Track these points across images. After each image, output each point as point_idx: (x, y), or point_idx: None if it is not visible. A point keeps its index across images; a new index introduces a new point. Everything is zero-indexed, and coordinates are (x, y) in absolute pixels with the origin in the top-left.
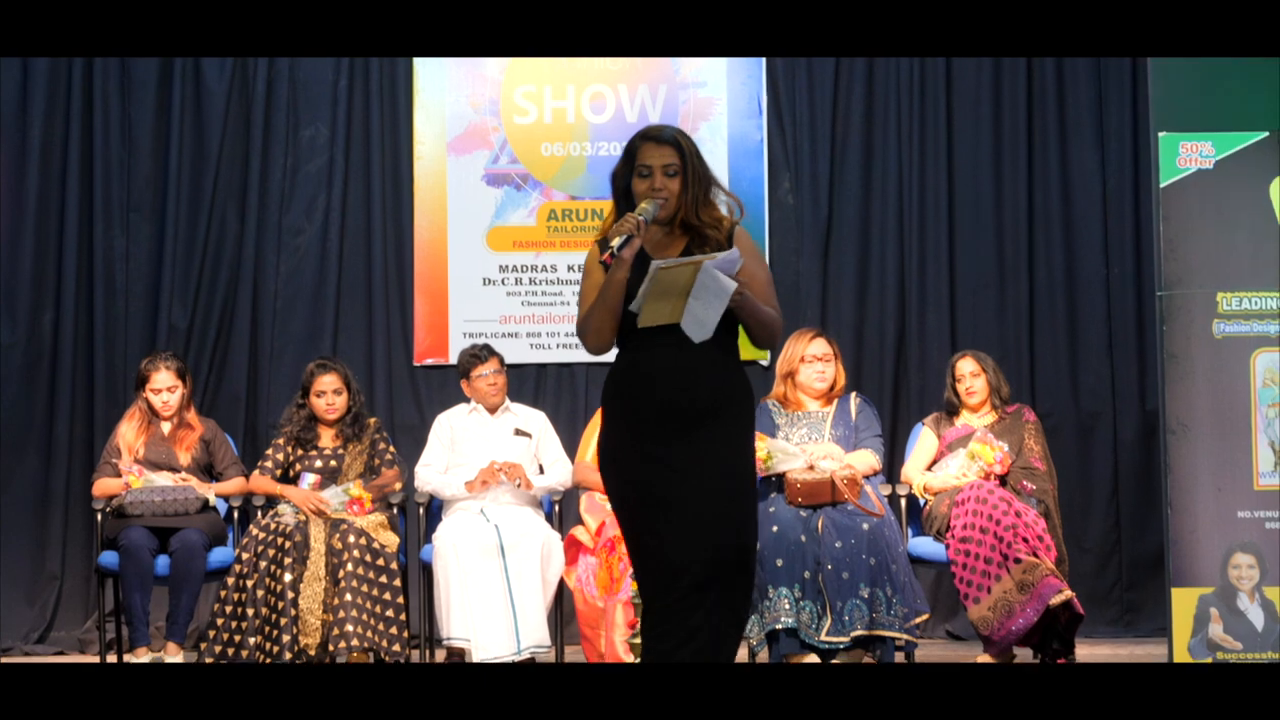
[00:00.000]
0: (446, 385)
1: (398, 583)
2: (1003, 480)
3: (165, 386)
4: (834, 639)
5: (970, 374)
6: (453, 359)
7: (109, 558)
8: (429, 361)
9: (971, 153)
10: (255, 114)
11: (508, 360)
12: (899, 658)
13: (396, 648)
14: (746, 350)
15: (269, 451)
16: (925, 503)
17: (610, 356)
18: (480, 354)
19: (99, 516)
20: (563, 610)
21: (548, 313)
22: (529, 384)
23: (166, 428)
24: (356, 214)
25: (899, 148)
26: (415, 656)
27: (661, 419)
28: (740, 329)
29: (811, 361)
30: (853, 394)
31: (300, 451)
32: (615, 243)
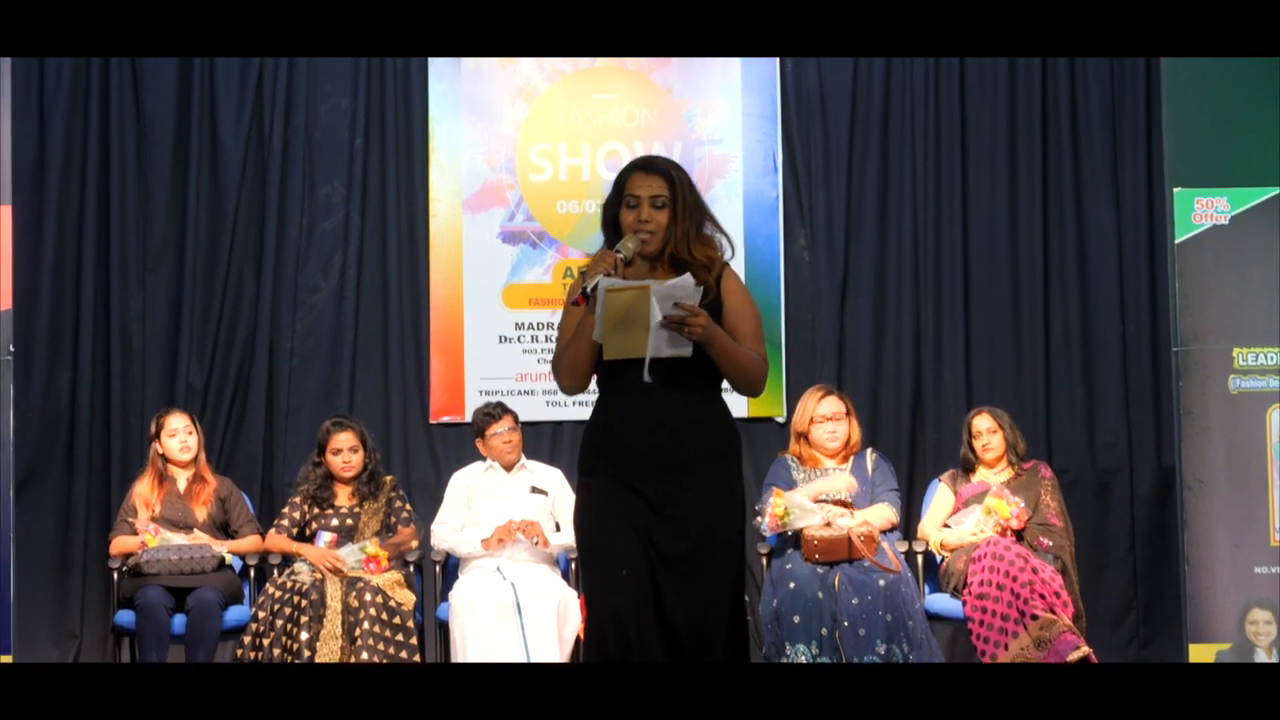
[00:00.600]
0: (463, 443)
1: (414, 640)
2: (1019, 536)
3: (180, 427)
4: None
5: (986, 430)
6: (469, 416)
7: (125, 617)
8: (445, 419)
9: (987, 208)
10: (271, 172)
11: (524, 417)
12: None
13: None
14: (758, 404)
15: (285, 509)
16: (942, 559)
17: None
18: (494, 412)
19: (115, 575)
20: None
21: None
22: (545, 441)
23: (182, 484)
24: (372, 272)
25: (915, 203)
26: None
27: (642, 470)
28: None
29: (822, 421)
30: (869, 450)
31: (316, 509)
32: (589, 285)
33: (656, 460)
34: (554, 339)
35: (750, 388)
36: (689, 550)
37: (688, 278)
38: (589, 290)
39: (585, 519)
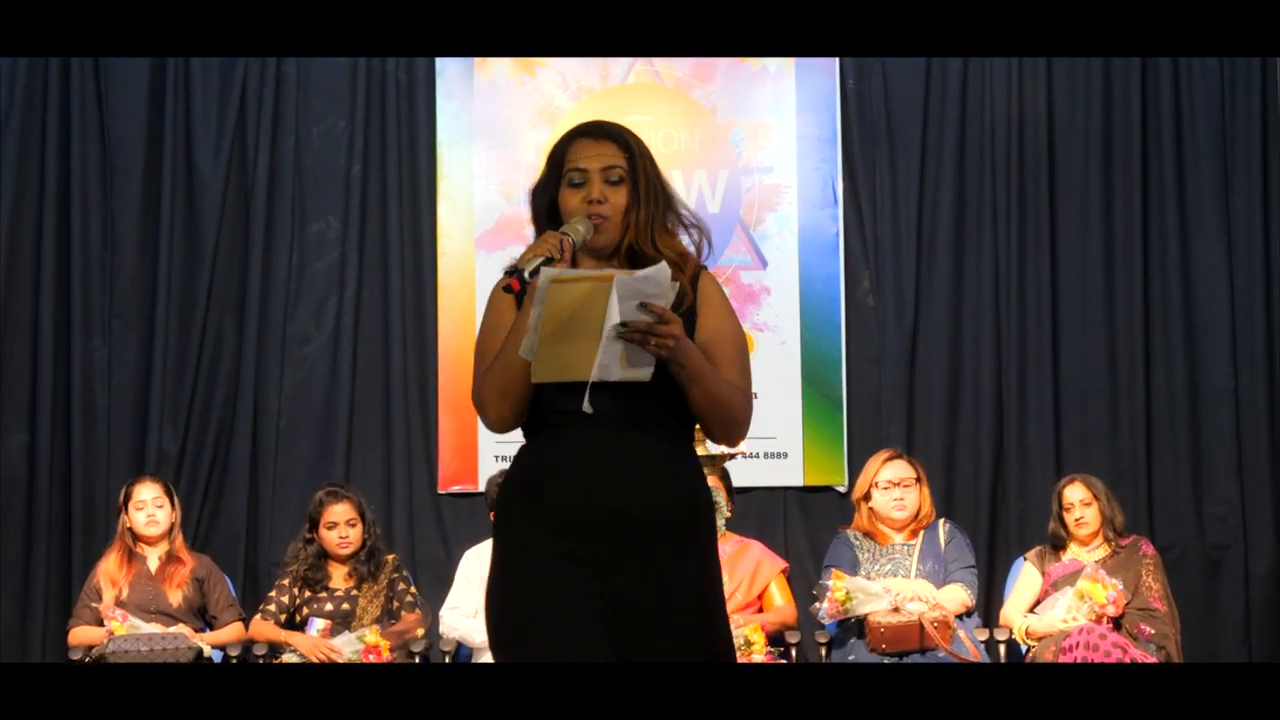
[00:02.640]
0: (475, 516)
1: None
2: (1117, 624)
3: (150, 499)
4: None
5: (1080, 502)
6: (482, 486)
7: None
8: (455, 489)
9: (1078, 246)
10: (255, 205)
11: None
12: None
13: None
14: (815, 471)
15: (272, 594)
16: (1028, 649)
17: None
18: None
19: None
20: None
21: None
22: None
23: (154, 564)
24: (372, 319)
25: (995, 241)
26: None
27: (584, 538)
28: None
29: (888, 487)
30: (942, 521)
31: (308, 593)
32: (528, 268)
33: (605, 528)
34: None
35: (726, 430)
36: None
37: (663, 267)
38: (526, 274)
39: (505, 593)
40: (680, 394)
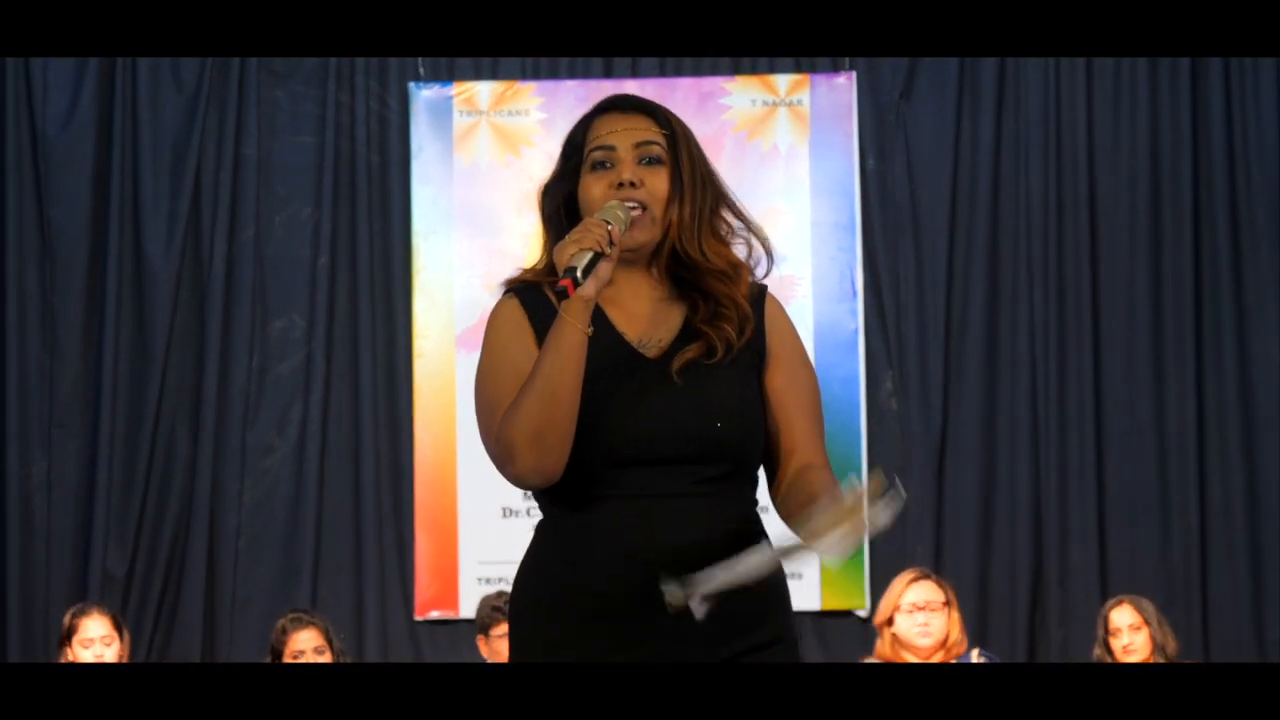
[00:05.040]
0: (457, 644)
1: None
2: None
3: (98, 637)
4: None
5: (1128, 626)
6: (464, 611)
7: None
8: (434, 615)
9: (1124, 343)
10: (212, 301)
11: None
12: None
13: None
14: (832, 594)
15: None
16: None
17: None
18: (505, 607)
19: None
20: None
21: None
22: None
23: None
24: (341, 427)
25: (1031, 338)
26: None
27: (628, 631)
28: (760, 475)
29: (913, 611)
30: (974, 651)
31: None
32: (580, 263)
33: (655, 625)
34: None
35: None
36: None
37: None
38: (579, 272)
39: None
40: (753, 448)
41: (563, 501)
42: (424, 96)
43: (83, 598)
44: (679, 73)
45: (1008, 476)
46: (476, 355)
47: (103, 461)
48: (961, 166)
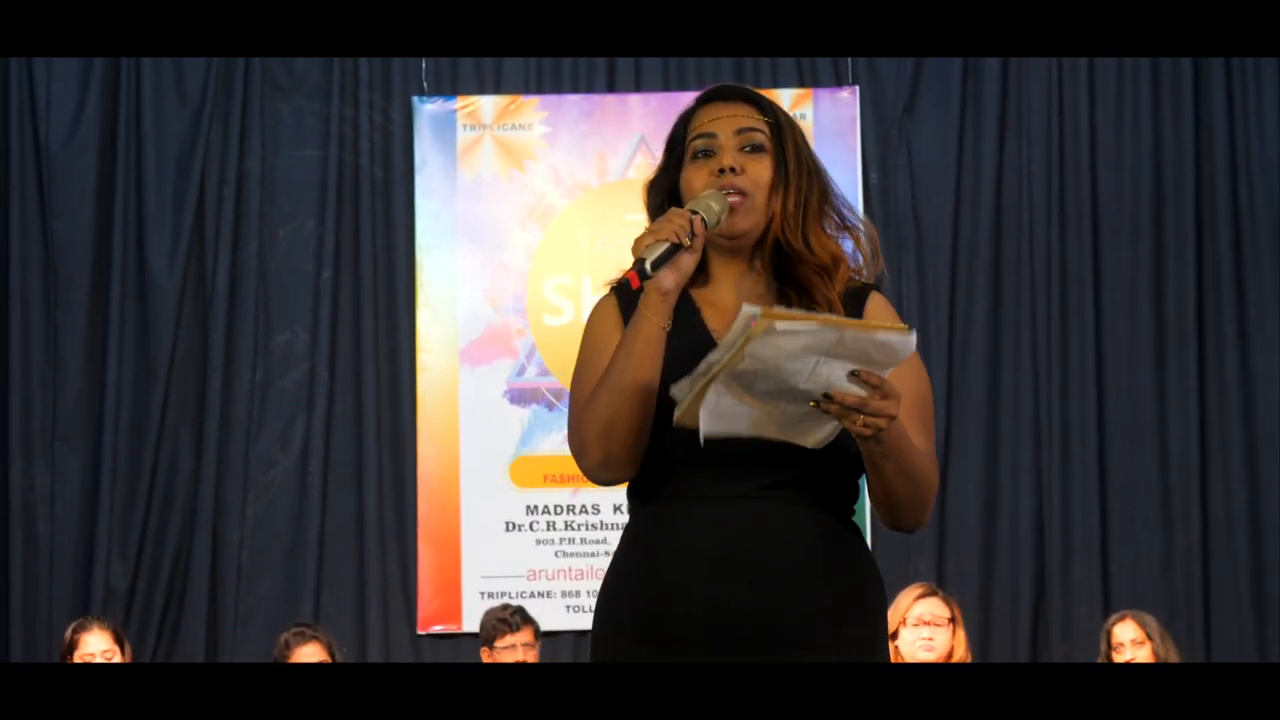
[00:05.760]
0: (460, 658)
1: None
2: None
3: (99, 651)
4: None
5: (1130, 641)
6: (467, 625)
7: None
8: (437, 629)
9: (1126, 357)
10: (215, 315)
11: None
12: None
13: None
14: None
15: None
16: None
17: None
18: (511, 620)
19: None
20: None
21: (588, 565)
22: (564, 658)
23: None
24: (344, 441)
25: (1034, 353)
26: None
27: (714, 638)
28: (862, 485)
29: (918, 625)
30: None
31: None
32: (651, 255)
33: (747, 621)
34: (575, 526)
35: (915, 512)
36: None
37: (910, 339)
38: (649, 265)
39: None
40: (847, 456)
41: (641, 500)
42: (427, 110)
43: (85, 611)
44: (683, 87)
45: (1010, 491)
46: (479, 369)
47: (106, 475)
48: (964, 180)
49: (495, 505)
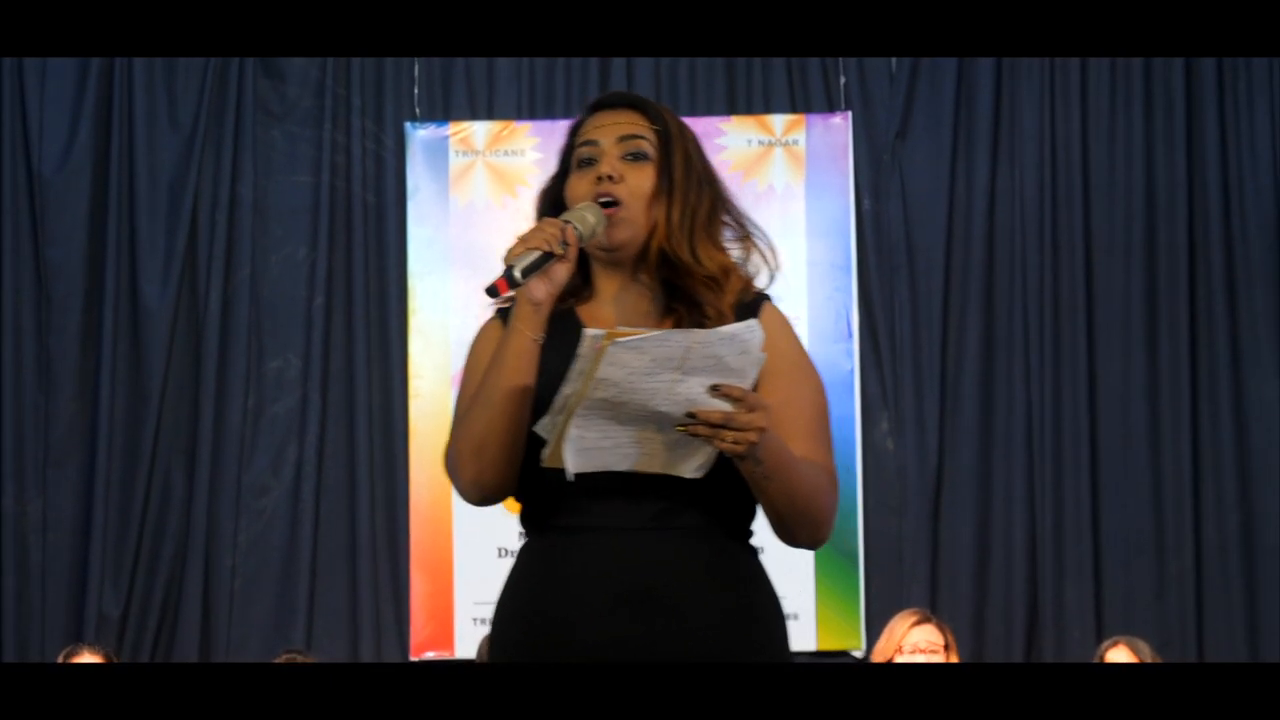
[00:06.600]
0: None
1: None
2: None
3: None
4: None
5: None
6: (459, 652)
7: None
8: (429, 655)
9: (1119, 383)
10: (207, 341)
11: None
12: None
13: None
14: (828, 635)
15: None
16: None
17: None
18: None
19: None
20: None
21: None
22: None
23: None
24: (337, 468)
25: (1027, 378)
26: None
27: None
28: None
29: (913, 653)
30: None
31: None
32: (520, 263)
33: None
34: None
35: (810, 530)
36: None
37: (753, 327)
38: (518, 273)
39: None
40: (735, 477)
41: (534, 529)
42: (420, 136)
43: (78, 638)
44: (675, 112)
45: (1003, 517)
46: None
47: (98, 501)
48: (957, 207)
49: (488, 532)
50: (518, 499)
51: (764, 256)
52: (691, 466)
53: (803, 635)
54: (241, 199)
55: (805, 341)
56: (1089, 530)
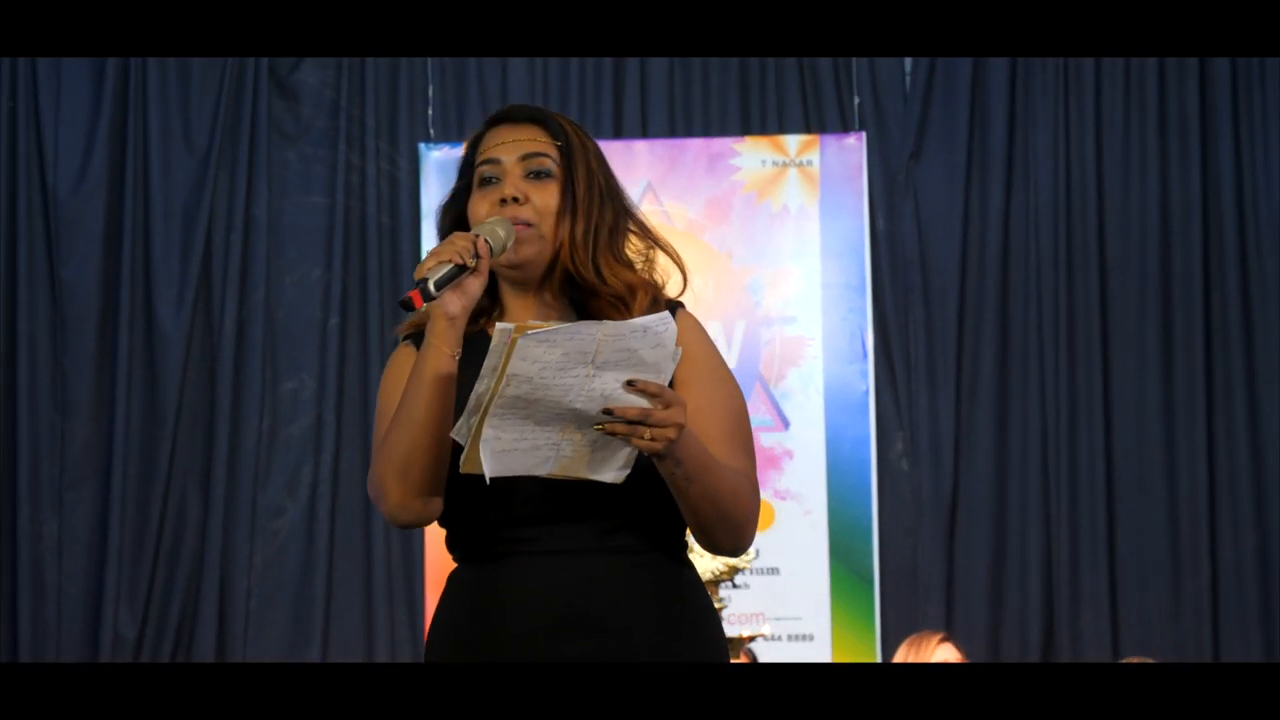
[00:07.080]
0: None
1: None
2: None
3: None
4: None
5: None
6: None
7: None
8: None
9: (1134, 404)
10: (222, 363)
11: None
12: None
13: None
14: (843, 649)
15: None
16: None
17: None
18: None
19: None
20: None
21: None
22: None
23: None
24: (352, 489)
25: (1042, 399)
26: None
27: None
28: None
29: None
30: None
31: None
32: (434, 276)
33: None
34: None
35: (732, 535)
36: None
37: (666, 320)
38: (432, 285)
39: None
40: (661, 490)
41: (465, 554)
42: (434, 157)
43: (94, 659)
44: (689, 133)
45: (1019, 538)
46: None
47: (114, 523)
48: (971, 227)
49: None
50: (443, 524)
51: (676, 263)
52: (612, 470)
53: (818, 656)
54: (256, 220)
55: (819, 362)
56: (1104, 551)
